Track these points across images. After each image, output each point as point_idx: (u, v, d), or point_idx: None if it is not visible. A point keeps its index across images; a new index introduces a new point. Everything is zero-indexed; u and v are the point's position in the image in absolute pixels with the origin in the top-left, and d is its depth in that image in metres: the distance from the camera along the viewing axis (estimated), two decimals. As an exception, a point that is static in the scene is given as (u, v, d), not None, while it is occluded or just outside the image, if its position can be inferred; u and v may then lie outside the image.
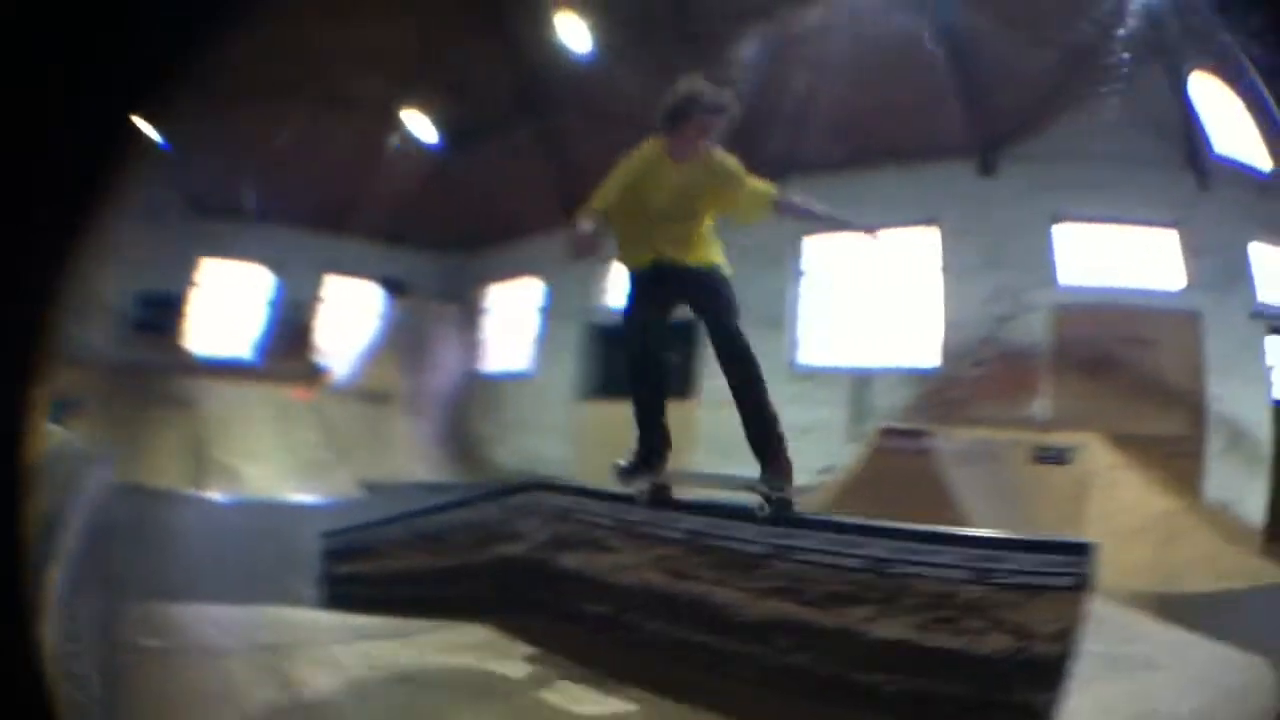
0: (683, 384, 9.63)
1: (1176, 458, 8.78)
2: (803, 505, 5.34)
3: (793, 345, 9.92)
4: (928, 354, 9.64)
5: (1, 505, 1.78)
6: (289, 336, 11.38)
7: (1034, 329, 8.69)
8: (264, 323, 11.40)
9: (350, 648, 5.50)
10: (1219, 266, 9.45)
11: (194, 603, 5.90)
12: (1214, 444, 9.09)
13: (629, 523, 5.44)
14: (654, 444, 5.13)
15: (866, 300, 9.89)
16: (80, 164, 1.73)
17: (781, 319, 9.88)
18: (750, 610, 4.91)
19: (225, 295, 11.41)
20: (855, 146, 8.99)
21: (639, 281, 5.08)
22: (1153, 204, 9.16)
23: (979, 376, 9.02)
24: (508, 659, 5.56)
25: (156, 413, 9.52)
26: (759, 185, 5.00)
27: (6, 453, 1.77)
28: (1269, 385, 9.69)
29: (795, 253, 10.04)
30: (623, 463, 5.16)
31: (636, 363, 5.13)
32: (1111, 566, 6.62)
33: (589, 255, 4.94)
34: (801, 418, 8.30)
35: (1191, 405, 9.10)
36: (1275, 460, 9.61)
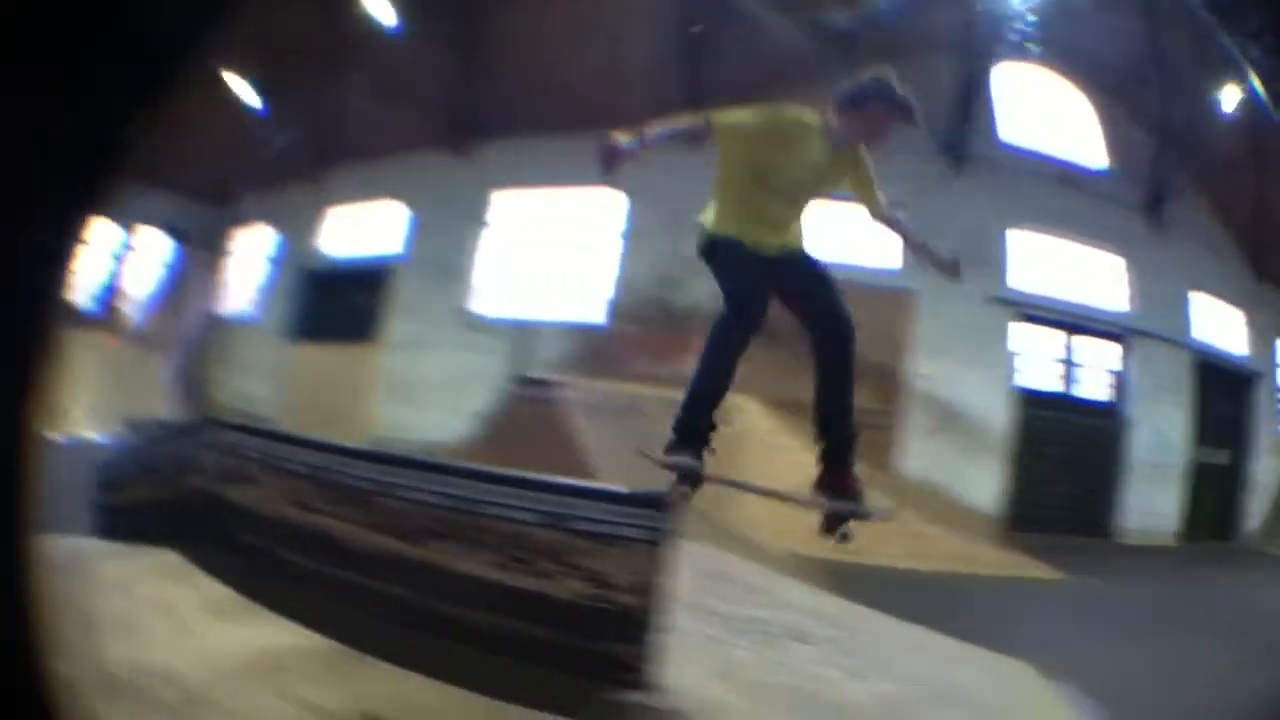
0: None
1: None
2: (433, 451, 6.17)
3: (469, 294, 10.91)
4: (597, 311, 10.95)
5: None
6: (114, 286, 12.70)
7: (701, 291, 9.80)
8: (105, 273, 12.51)
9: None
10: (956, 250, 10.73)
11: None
12: (920, 422, 10.21)
13: (271, 457, 6.22)
14: (707, 426, 5.52)
15: (546, 255, 11.19)
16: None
17: (461, 268, 10.75)
18: (361, 542, 5.73)
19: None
20: (568, 108, 9.81)
21: (767, 265, 5.45)
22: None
23: (641, 335, 10.16)
24: (183, 584, 6.29)
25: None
26: (879, 194, 5.58)
27: (5, 453, 1.87)
28: (1009, 371, 11.11)
29: (482, 204, 11.17)
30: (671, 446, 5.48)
31: (734, 347, 5.48)
32: (769, 530, 7.85)
33: (619, 170, 5.23)
34: (469, 365, 9.44)
35: (886, 381, 10.31)
36: (1021, 447, 11.25)
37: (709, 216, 5.54)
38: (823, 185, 5.49)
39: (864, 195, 5.58)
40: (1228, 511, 15.62)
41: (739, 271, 5.35)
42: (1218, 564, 13.77)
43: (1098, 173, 13.65)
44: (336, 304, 10.67)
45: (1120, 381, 13.55)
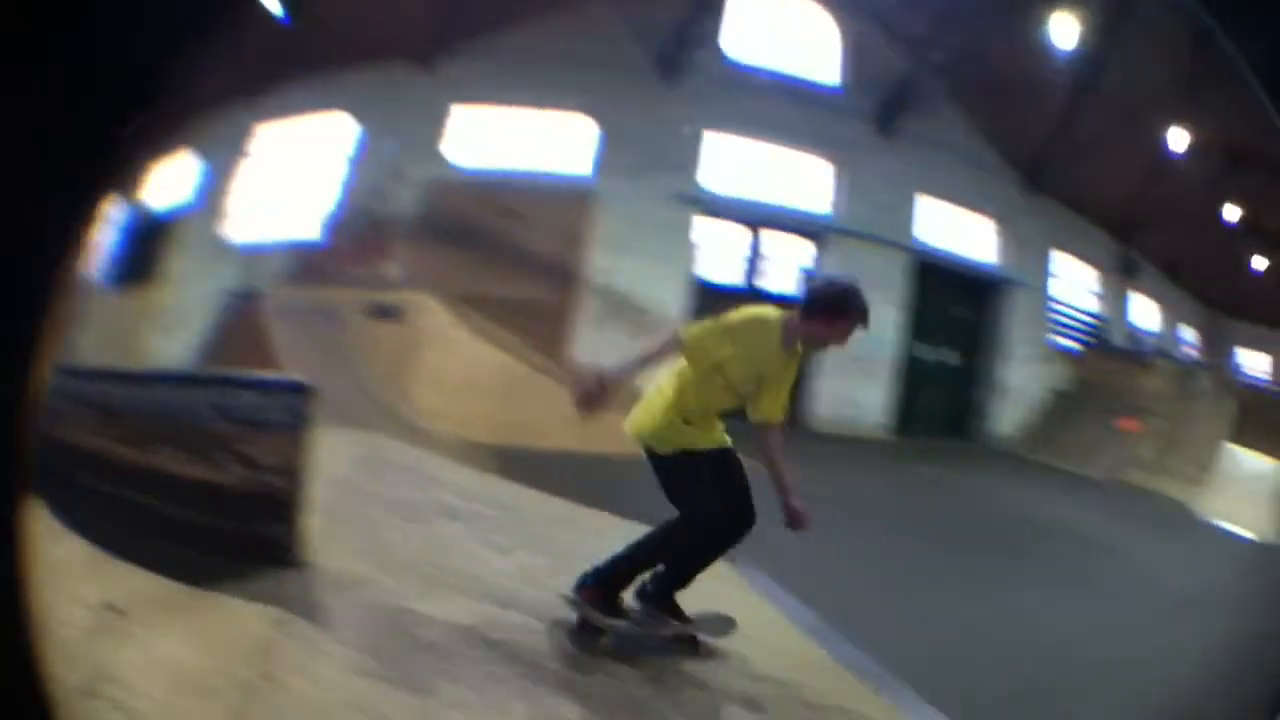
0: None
1: (536, 321, 11.95)
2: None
3: (222, 221, 12.46)
4: (314, 228, 12.61)
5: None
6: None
7: (405, 200, 11.82)
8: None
9: None
10: (641, 153, 13.50)
11: None
12: (594, 313, 12.42)
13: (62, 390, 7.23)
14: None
15: (282, 181, 12.58)
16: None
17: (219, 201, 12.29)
18: (108, 454, 7.04)
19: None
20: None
21: (706, 461, 6.60)
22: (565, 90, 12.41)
23: (346, 244, 11.75)
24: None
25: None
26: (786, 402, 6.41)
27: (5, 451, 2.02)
28: (689, 265, 13.64)
29: (240, 135, 12.37)
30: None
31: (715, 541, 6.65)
32: (440, 418, 9.83)
33: (596, 412, 6.09)
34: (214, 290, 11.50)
35: (562, 275, 12.31)
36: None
37: (656, 417, 6.71)
38: (765, 380, 6.49)
39: (776, 394, 6.61)
40: (960, 412, 19.18)
41: (697, 483, 6.61)
42: (928, 459, 16.82)
43: (828, 87, 16.03)
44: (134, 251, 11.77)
45: (811, 276, 15.48)
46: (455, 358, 10.97)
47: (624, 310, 12.98)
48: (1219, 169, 22.20)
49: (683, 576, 6.76)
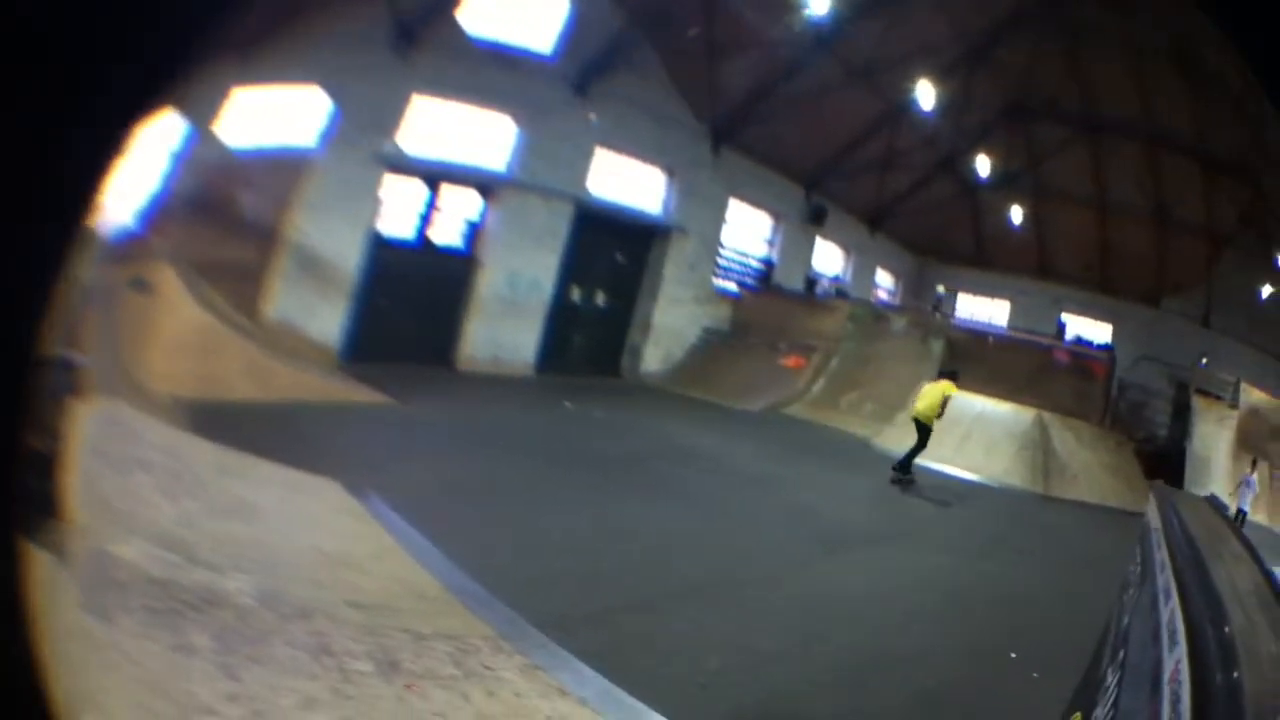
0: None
1: (241, 281, 12.66)
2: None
3: None
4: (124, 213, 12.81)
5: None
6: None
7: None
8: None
9: None
10: (361, 119, 14.06)
11: None
12: (286, 270, 13.19)
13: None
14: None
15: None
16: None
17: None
18: None
19: None
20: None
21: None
22: (310, 66, 13.25)
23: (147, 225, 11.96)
24: None
25: None
26: None
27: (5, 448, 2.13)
28: (372, 220, 14.37)
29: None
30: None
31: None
32: (159, 377, 10.14)
33: None
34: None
35: (267, 237, 13.17)
36: (374, 287, 14.41)
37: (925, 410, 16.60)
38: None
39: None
40: (613, 351, 20.92)
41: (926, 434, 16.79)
42: (572, 394, 17.63)
43: (541, 54, 17.73)
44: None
45: (479, 228, 17.42)
46: (174, 321, 11.57)
47: (313, 267, 14.15)
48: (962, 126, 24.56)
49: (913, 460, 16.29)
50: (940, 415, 16.36)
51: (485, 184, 17.87)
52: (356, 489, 9.30)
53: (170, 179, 11.18)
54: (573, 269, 19.40)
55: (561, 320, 19.40)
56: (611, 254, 20.98)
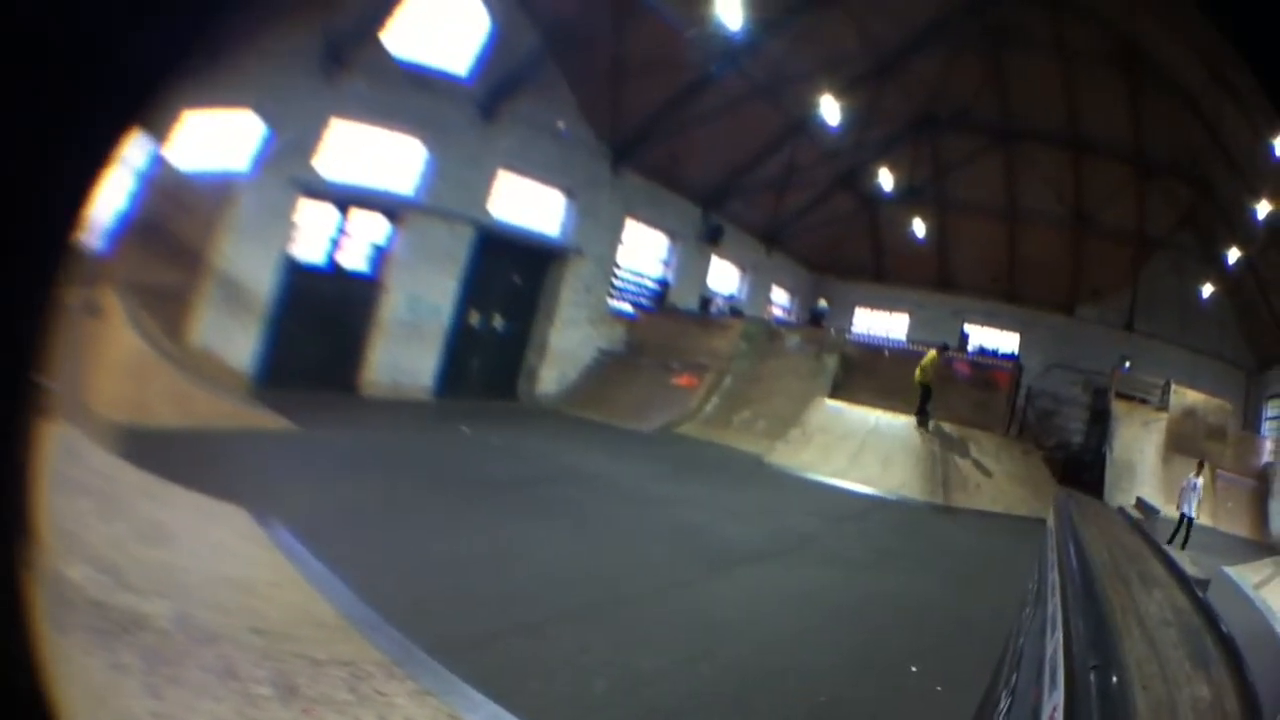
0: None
1: (169, 305, 12.80)
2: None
3: None
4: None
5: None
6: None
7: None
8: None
9: None
10: (287, 143, 14.31)
11: None
12: (208, 295, 13.41)
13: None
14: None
15: None
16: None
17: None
18: None
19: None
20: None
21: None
22: (243, 89, 13.49)
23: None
24: None
25: None
26: None
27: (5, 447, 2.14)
28: (285, 245, 14.67)
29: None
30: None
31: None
32: (95, 399, 10.25)
33: None
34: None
35: (196, 262, 13.37)
36: (284, 312, 14.63)
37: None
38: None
39: None
40: (509, 374, 19.69)
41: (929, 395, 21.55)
42: (467, 418, 17.89)
43: (453, 77, 18.44)
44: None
45: (385, 252, 17.66)
46: (114, 346, 11.92)
47: (233, 293, 12.80)
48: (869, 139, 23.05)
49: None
50: (929, 377, 20.48)
51: (392, 208, 18.26)
52: (260, 516, 9.44)
53: (133, 201, 11.46)
54: (472, 292, 19.92)
55: (460, 344, 19.85)
56: (510, 277, 21.47)
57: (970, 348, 27.06)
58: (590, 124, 21.65)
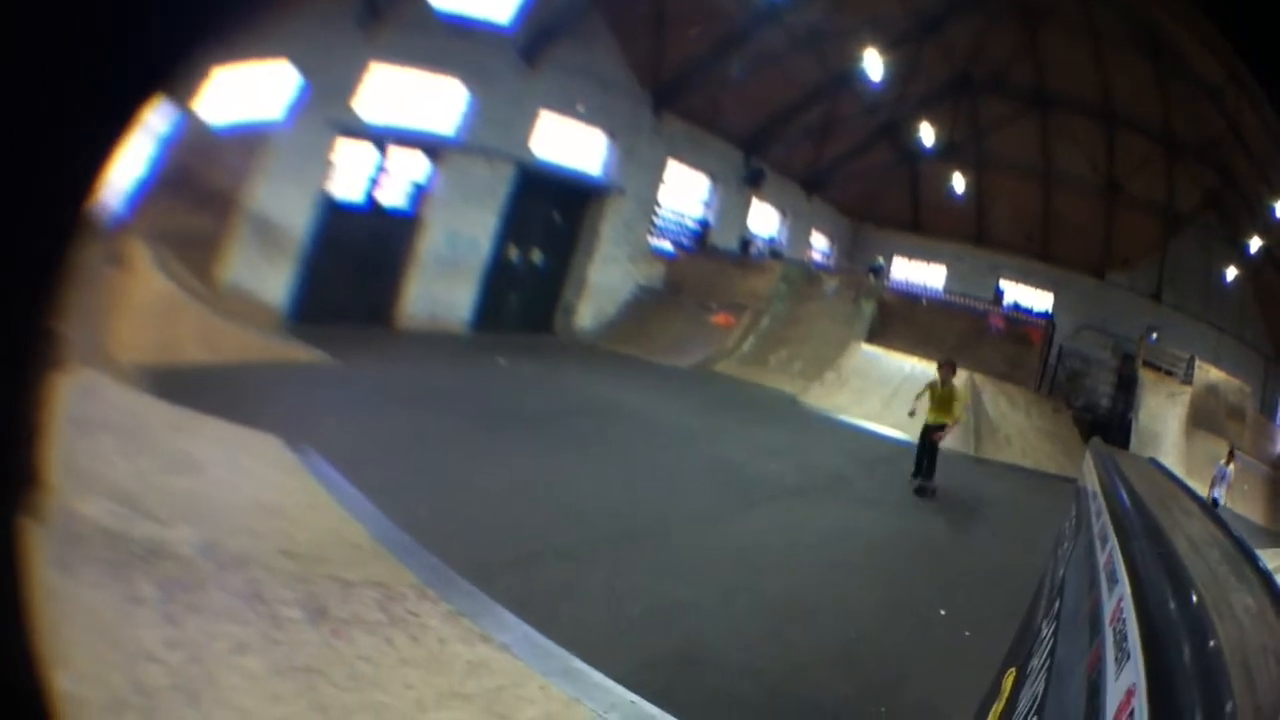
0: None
1: (200, 249, 12.76)
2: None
3: None
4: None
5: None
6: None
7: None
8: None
9: None
10: (323, 90, 14.17)
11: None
12: (239, 235, 13.31)
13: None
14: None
15: None
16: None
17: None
18: None
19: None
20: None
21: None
22: (280, 42, 13.44)
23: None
24: None
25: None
26: None
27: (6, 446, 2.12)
28: (321, 184, 14.51)
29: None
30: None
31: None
32: (120, 343, 10.16)
33: None
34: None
35: (227, 206, 13.28)
36: (319, 250, 14.47)
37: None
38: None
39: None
40: (546, 308, 18.54)
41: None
42: (504, 351, 17.73)
43: (494, 26, 18.12)
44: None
45: (424, 190, 15.93)
46: (141, 292, 11.79)
47: (266, 233, 12.62)
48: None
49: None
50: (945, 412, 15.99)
51: (432, 147, 18.02)
52: (293, 444, 9.32)
53: (156, 162, 11.33)
54: (511, 228, 19.67)
55: (498, 279, 19.67)
56: (550, 214, 21.22)
57: (1006, 303, 26.71)
58: (632, 69, 21.42)
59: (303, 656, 5.81)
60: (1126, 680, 3.41)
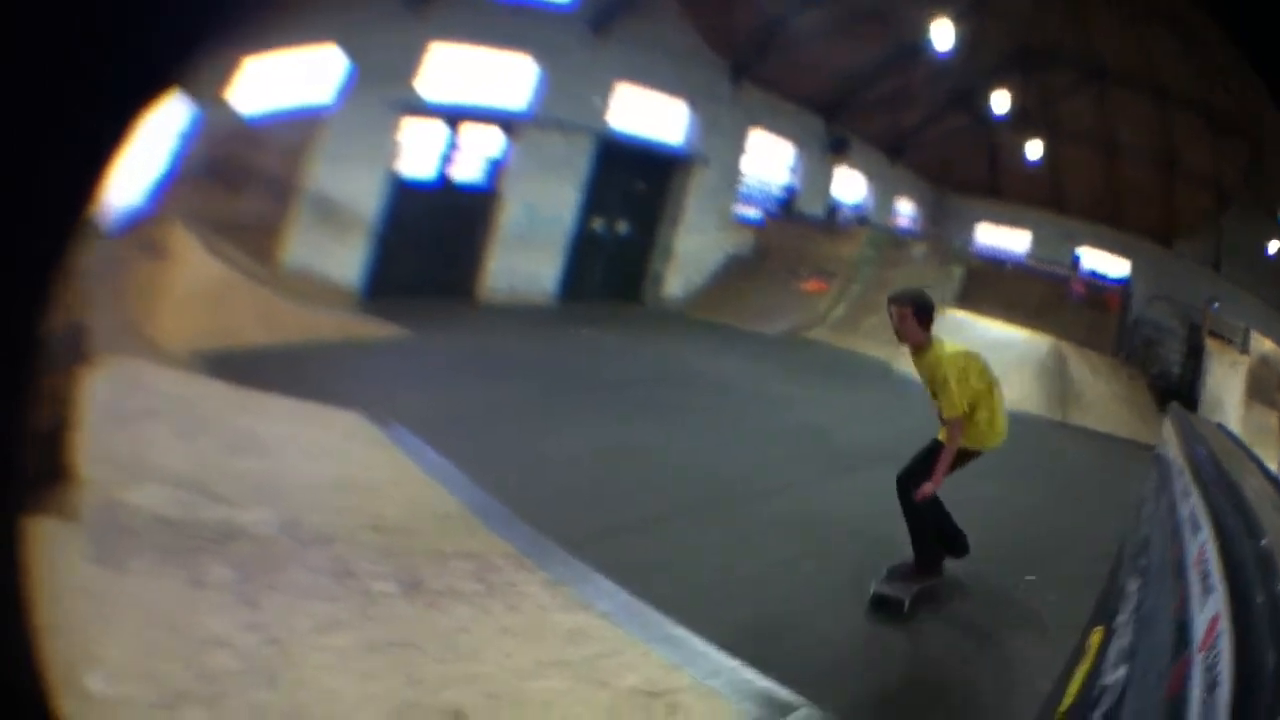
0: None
1: (254, 233, 12.76)
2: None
3: None
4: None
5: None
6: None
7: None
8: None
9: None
10: (377, 71, 14.19)
11: None
12: (303, 218, 13.33)
13: None
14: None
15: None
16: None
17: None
18: None
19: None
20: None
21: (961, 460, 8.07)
22: (323, 27, 13.41)
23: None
24: None
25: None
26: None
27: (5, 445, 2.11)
28: (390, 163, 14.52)
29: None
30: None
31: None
32: (166, 331, 10.16)
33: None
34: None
35: (282, 189, 13.28)
36: (391, 227, 14.52)
37: None
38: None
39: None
40: (633, 278, 18.31)
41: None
42: (591, 321, 17.82)
43: (558, 6, 17.89)
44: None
45: (500, 164, 15.85)
46: (188, 278, 10.95)
47: (330, 213, 12.48)
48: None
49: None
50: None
51: (505, 121, 17.88)
52: (375, 417, 9.41)
53: (177, 153, 11.08)
54: (593, 199, 19.29)
55: (582, 250, 19.28)
56: (632, 184, 20.92)
57: (1083, 269, 26.32)
58: (705, 38, 21.23)
59: (397, 631, 5.88)
60: (1210, 611, 3.80)
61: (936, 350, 8.09)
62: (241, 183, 13.23)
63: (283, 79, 13.73)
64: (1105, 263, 27.03)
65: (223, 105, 12.48)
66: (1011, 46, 25.82)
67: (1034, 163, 27.79)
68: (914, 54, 24.64)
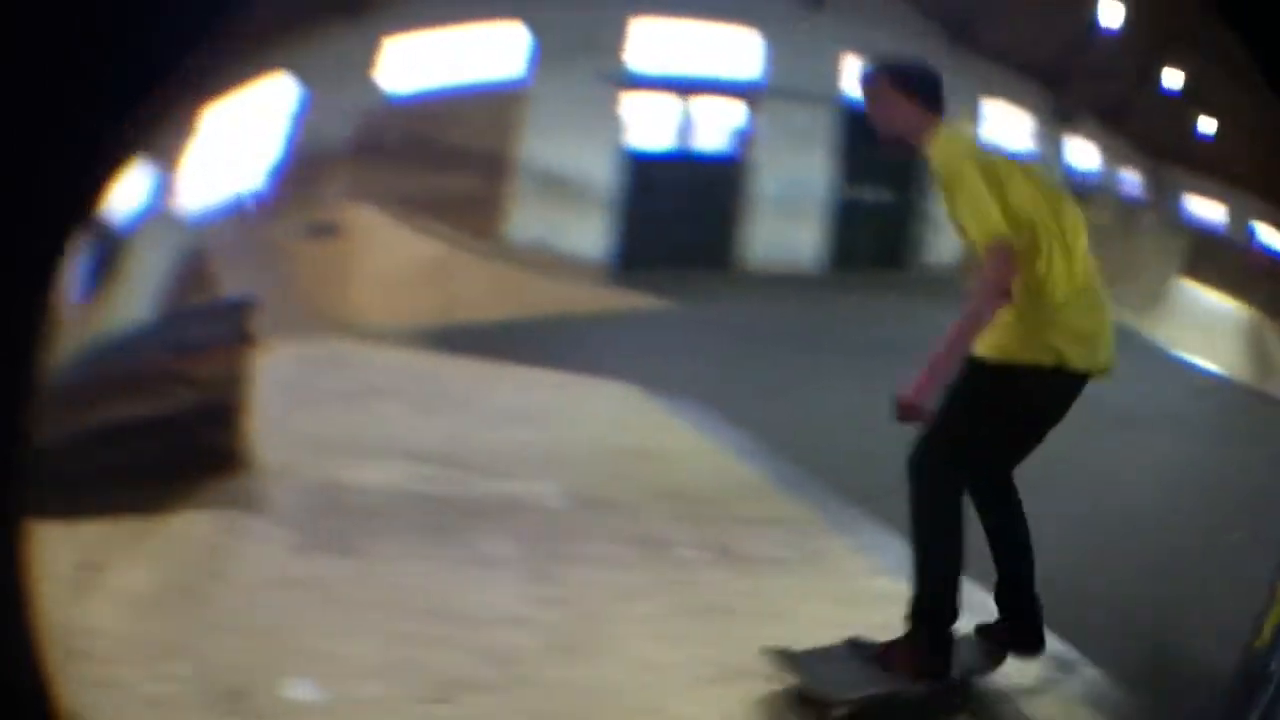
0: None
1: (472, 212, 12.83)
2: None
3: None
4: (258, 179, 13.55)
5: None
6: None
7: (334, 131, 12.22)
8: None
9: None
10: (563, 42, 14.26)
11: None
12: (527, 194, 13.45)
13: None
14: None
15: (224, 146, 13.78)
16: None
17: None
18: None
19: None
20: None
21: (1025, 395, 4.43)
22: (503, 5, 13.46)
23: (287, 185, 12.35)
24: None
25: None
26: None
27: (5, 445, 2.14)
28: (618, 136, 14.57)
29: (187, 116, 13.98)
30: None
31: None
32: (377, 312, 10.24)
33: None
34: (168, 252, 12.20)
35: (493, 166, 13.37)
36: (632, 200, 14.62)
37: None
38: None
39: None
40: (895, 245, 18.08)
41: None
42: (859, 290, 15.61)
43: None
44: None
45: (743, 134, 15.61)
46: (390, 255, 10.62)
47: (552, 185, 12.77)
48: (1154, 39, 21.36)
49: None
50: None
51: (741, 92, 17.66)
52: (653, 387, 8.56)
53: (289, 137, 11.45)
54: (847, 166, 18.96)
55: (841, 217, 18.96)
56: (885, 152, 20.46)
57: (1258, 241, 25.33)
58: (920, 7, 20.85)
59: (705, 596, 5.83)
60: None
61: (949, 142, 4.60)
62: (437, 161, 13.26)
63: (467, 52, 13.92)
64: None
65: (372, 85, 12.73)
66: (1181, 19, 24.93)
67: (1207, 137, 26.73)
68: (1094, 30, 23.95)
